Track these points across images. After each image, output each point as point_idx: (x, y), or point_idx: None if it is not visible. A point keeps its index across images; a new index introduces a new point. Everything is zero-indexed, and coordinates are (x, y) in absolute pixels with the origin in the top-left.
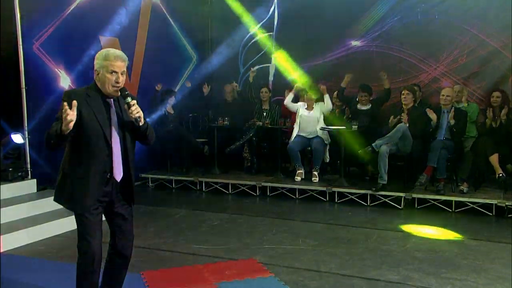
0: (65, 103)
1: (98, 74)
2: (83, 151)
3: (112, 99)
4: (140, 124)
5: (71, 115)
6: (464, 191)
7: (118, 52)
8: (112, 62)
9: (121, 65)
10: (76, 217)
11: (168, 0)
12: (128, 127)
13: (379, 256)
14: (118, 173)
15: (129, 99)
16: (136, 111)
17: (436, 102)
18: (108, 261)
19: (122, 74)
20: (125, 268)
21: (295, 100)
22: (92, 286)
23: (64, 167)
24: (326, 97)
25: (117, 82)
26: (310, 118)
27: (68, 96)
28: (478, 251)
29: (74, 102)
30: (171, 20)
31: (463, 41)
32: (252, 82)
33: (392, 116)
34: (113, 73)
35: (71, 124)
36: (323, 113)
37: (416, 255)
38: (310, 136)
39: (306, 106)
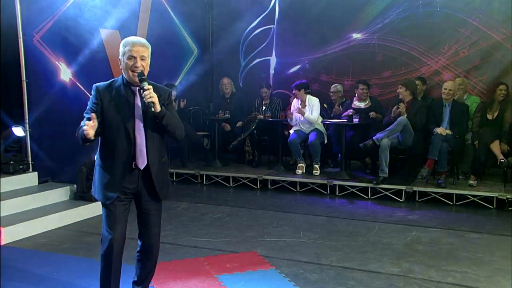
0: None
1: (120, 63)
2: (108, 142)
3: (137, 88)
4: (153, 110)
5: (90, 127)
6: (474, 185)
7: (138, 38)
8: (130, 47)
9: (139, 50)
10: (102, 208)
11: None
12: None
13: (380, 249)
14: (142, 162)
15: (145, 83)
16: (149, 96)
17: (438, 95)
18: (137, 255)
19: (142, 59)
20: (150, 263)
21: None
22: (110, 275)
23: (96, 160)
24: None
25: (136, 67)
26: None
27: (96, 91)
28: (479, 244)
29: (93, 115)
30: (171, 13)
31: (465, 34)
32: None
33: (395, 107)
34: (132, 58)
35: (91, 133)
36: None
37: (417, 248)
38: (308, 131)
39: (300, 103)
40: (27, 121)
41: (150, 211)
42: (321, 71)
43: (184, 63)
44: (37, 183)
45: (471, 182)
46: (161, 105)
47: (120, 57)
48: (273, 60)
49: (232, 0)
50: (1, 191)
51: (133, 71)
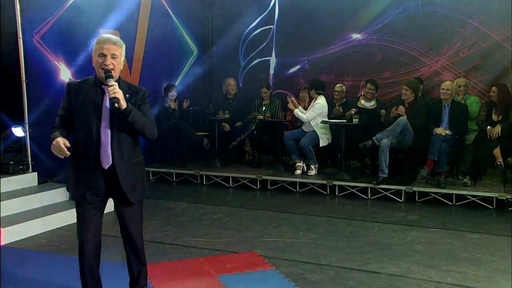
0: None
1: (93, 60)
2: (76, 139)
3: (106, 86)
4: (117, 106)
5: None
6: (468, 184)
7: (110, 36)
8: (101, 45)
9: (110, 48)
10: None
11: None
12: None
13: (380, 249)
14: (106, 161)
15: (110, 80)
16: (113, 91)
17: (437, 95)
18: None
19: (113, 57)
20: (135, 264)
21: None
22: (85, 277)
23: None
24: (298, 112)
25: (105, 65)
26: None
27: (68, 88)
28: (479, 244)
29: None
30: (171, 13)
31: (465, 34)
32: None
33: (394, 107)
34: (102, 56)
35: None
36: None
37: (417, 248)
38: (308, 131)
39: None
40: (26, 121)
41: (125, 214)
42: (321, 71)
43: (184, 63)
44: (36, 184)
45: (465, 181)
46: (132, 103)
47: (92, 55)
48: (272, 60)
49: (232, 0)
50: (0, 192)
51: (102, 69)
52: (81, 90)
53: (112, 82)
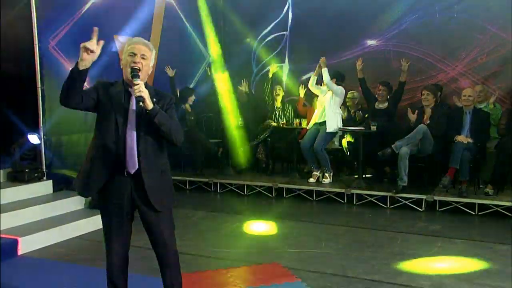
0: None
1: (121, 61)
2: (97, 136)
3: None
4: (142, 105)
5: (90, 45)
6: (490, 193)
7: (142, 39)
8: (132, 45)
9: (141, 48)
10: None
11: None
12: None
13: (407, 261)
14: (132, 166)
15: (136, 79)
16: (138, 90)
17: (454, 102)
18: None
19: (143, 57)
20: (168, 274)
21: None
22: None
23: (89, 151)
24: (325, 71)
25: (134, 63)
26: (320, 102)
27: (96, 85)
28: (507, 256)
29: (95, 29)
30: (184, 19)
31: (483, 40)
32: (271, 77)
33: (409, 109)
34: (132, 55)
35: (88, 59)
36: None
37: (445, 260)
38: (319, 121)
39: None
40: (42, 128)
41: (152, 222)
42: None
43: (196, 69)
44: (52, 192)
45: (487, 190)
46: (160, 107)
47: (122, 56)
48: (285, 66)
49: (245, 6)
50: (16, 200)
51: (131, 67)
52: (108, 89)
53: (138, 81)
